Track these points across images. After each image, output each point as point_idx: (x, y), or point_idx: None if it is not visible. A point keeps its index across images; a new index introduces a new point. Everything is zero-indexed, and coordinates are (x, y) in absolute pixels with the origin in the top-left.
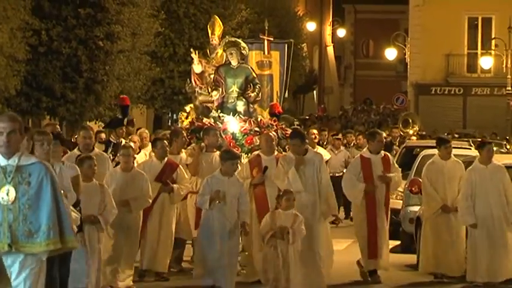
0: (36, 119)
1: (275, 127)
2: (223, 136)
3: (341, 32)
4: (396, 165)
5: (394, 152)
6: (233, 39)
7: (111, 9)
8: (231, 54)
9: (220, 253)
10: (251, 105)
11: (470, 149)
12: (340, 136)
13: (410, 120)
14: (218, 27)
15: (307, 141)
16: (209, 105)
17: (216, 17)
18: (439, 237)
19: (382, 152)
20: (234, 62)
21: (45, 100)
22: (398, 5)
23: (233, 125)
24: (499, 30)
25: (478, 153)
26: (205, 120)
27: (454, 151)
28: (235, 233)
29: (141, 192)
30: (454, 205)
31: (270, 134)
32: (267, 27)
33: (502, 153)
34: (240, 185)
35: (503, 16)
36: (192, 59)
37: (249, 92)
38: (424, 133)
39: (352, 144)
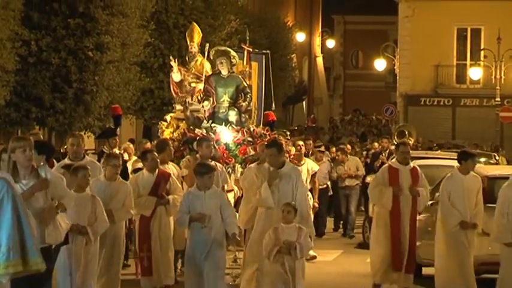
0: (26, 130)
1: (268, 137)
2: (217, 147)
3: (330, 43)
4: (425, 180)
5: (380, 161)
6: (223, 48)
7: (101, 20)
8: (221, 63)
9: (201, 276)
10: (243, 115)
11: None
12: (322, 148)
13: (407, 132)
14: (197, 34)
15: (293, 152)
16: (199, 115)
17: (195, 24)
18: (455, 254)
19: (411, 164)
20: (224, 72)
21: (34, 110)
22: (388, 16)
23: (226, 135)
24: (488, 41)
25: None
26: (197, 130)
27: (443, 162)
28: (219, 247)
29: (124, 203)
30: (471, 221)
31: (300, 145)
32: (248, 37)
33: (490, 164)
34: (220, 196)
35: (492, 27)
36: (172, 67)
37: (240, 101)
38: (418, 144)
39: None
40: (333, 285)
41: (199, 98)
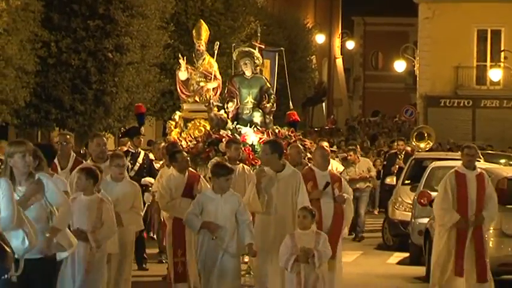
0: (46, 131)
1: (293, 138)
2: (242, 148)
3: (350, 44)
4: (492, 187)
5: (397, 166)
6: (246, 49)
7: (121, 21)
8: (245, 64)
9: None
10: (267, 116)
11: (479, 161)
12: (334, 148)
13: (426, 134)
14: (204, 31)
15: (300, 150)
16: (223, 116)
17: (202, 21)
18: None
19: (478, 169)
20: (248, 72)
21: (54, 112)
22: (408, 18)
23: (251, 136)
24: (508, 42)
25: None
26: (222, 132)
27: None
28: (232, 258)
29: (132, 205)
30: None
31: (325, 147)
32: (259, 34)
33: (510, 165)
34: (236, 201)
35: None
36: (179, 65)
37: (264, 102)
38: (439, 146)
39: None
40: (353, 286)
41: (207, 97)
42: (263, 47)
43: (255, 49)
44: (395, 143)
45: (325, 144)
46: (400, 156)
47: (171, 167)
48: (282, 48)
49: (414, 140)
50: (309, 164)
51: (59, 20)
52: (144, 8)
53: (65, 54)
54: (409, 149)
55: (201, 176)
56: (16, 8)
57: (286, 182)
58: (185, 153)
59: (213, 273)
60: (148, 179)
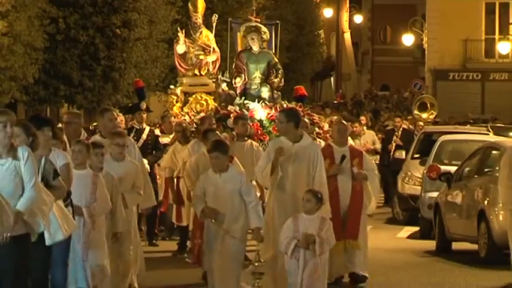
0: (54, 107)
1: (302, 113)
2: (250, 124)
3: (358, 18)
4: None
5: (393, 144)
6: (253, 24)
7: None
8: (252, 39)
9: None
10: (275, 91)
11: (488, 134)
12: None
13: (428, 104)
14: (201, 3)
15: (307, 125)
16: (231, 92)
17: None
18: None
19: None
20: (256, 48)
21: (63, 88)
22: None
23: (259, 112)
24: None
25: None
26: (230, 107)
27: (472, 136)
28: (233, 240)
29: (133, 184)
30: None
31: (343, 121)
32: (254, 8)
33: None
34: (238, 181)
35: None
36: (178, 37)
37: (272, 77)
38: (438, 120)
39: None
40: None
41: (206, 71)
42: (259, 21)
43: (251, 23)
44: (393, 120)
45: (334, 118)
46: (397, 133)
47: (185, 144)
48: (277, 21)
49: (417, 110)
50: (318, 140)
51: None
52: None
53: (73, 31)
54: (406, 125)
55: (234, 158)
56: None
57: (303, 153)
58: (218, 133)
59: (214, 254)
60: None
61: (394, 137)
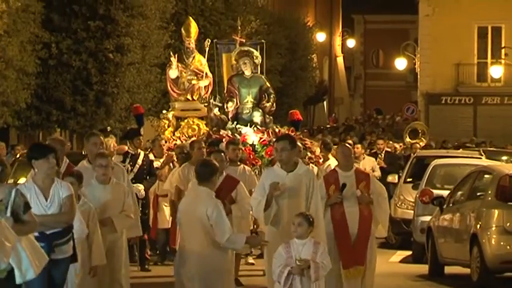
0: (47, 132)
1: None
2: (243, 148)
3: (351, 43)
4: None
5: (377, 165)
6: (246, 48)
7: (121, 22)
8: (245, 63)
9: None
10: (267, 116)
11: (480, 158)
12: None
13: (420, 131)
14: (194, 28)
15: (300, 149)
16: (222, 116)
17: (191, 18)
18: None
19: None
20: (248, 72)
21: (55, 113)
22: (408, 15)
23: (251, 136)
24: (509, 39)
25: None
26: (222, 132)
27: (464, 160)
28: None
29: (123, 208)
30: None
31: (347, 144)
32: (239, 27)
33: None
34: (210, 204)
35: None
36: (171, 62)
37: (264, 102)
38: (432, 144)
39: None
40: None
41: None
42: (244, 41)
43: (235, 43)
44: (376, 143)
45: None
46: (380, 156)
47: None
48: (262, 41)
49: (408, 137)
50: (311, 165)
51: (60, 21)
52: (144, 8)
53: (65, 55)
54: (392, 148)
55: (240, 182)
56: (16, 9)
57: (298, 184)
58: (223, 154)
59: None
60: (137, 186)
61: (378, 159)
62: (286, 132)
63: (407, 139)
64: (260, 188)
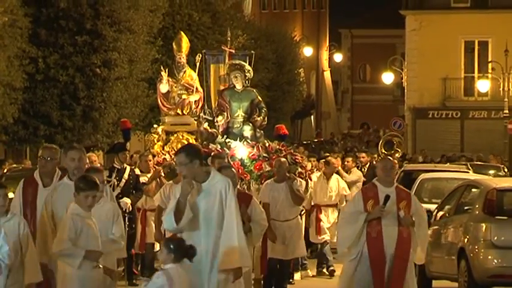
0: (34, 147)
1: (284, 152)
2: (232, 162)
3: (338, 57)
4: None
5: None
6: (237, 62)
7: (108, 37)
8: (236, 77)
9: None
10: (258, 130)
11: (468, 172)
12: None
13: (395, 143)
14: (185, 43)
15: (286, 165)
16: (212, 130)
17: (182, 33)
18: None
19: None
20: (239, 86)
21: (42, 128)
22: (395, 29)
23: (241, 150)
24: (495, 53)
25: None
26: (211, 146)
27: (452, 174)
28: None
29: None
30: None
31: (389, 158)
32: (229, 38)
33: (499, 176)
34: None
35: (500, 39)
36: (161, 77)
37: (255, 116)
38: (411, 157)
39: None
40: None
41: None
42: (233, 51)
43: (223, 54)
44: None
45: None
46: (363, 169)
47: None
48: (252, 52)
49: (382, 149)
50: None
51: (47, 36)
52: (131, 23)
53: (52, 70)
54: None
55: (253, 198)
56: (3, 24)
57: (214, 193)
58: (234, 170)
59: None
60: (125, 200)
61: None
62: (276, 146)
63: (382, 150)
64: (172, 199)
